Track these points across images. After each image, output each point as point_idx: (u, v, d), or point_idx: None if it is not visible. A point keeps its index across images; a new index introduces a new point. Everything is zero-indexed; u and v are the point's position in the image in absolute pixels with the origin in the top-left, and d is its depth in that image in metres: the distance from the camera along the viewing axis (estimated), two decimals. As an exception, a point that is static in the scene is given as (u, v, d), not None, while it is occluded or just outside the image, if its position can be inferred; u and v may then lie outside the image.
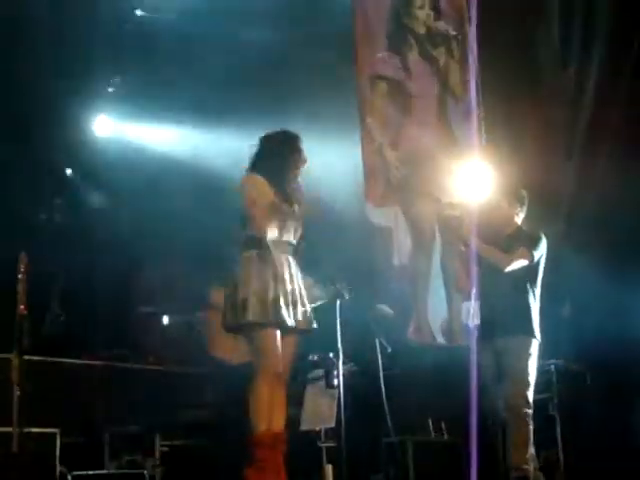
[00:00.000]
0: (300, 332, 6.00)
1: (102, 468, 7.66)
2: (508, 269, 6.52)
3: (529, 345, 6.50)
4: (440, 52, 9.12)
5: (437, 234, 8.96)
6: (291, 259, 5.92)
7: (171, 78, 10.18)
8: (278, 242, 5.85)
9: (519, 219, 6.79)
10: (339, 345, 6.96)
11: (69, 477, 7.07)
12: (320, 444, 7.61)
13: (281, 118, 9.25)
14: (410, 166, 9.30)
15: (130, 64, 10.42)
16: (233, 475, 7.03)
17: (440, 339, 8.83)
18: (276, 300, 5.69)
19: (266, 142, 6.05)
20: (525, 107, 8.50)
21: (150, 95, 10.40)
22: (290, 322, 5.77)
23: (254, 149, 6.04)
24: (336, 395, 7.15)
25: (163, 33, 10.04)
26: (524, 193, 6.80)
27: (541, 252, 6.61)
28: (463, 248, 6.85)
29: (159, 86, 10.27)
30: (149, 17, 10.13)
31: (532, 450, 6.41)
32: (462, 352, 8.09)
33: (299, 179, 6.09)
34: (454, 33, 9.00)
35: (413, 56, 9.33)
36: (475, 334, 6.85)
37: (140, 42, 10.09)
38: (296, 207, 5.94)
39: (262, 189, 5.82)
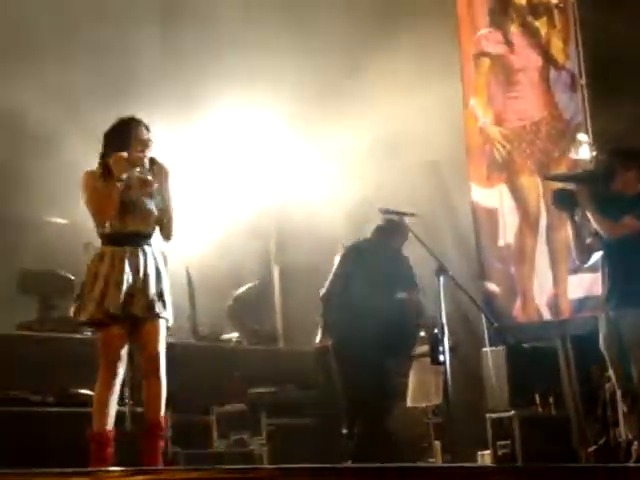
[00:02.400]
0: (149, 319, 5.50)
1: (211, 447, 7.75)
2: (611, 236, 6.29)
3: None
4: (542, 22, 9.01)
5: (543, 209, 8.86)
6: (142, 250, 5.48)
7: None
8: (119, 235, 5.47)
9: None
10: (444, 321, 6.91)
11: (181, 455, 7.16)
12: (427, 420, 7.59)
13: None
14: (515, 142, 9.22)
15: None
16: (337, 453, 7.08)
17: (546, 315, 8.72)
18: (104, 295, 5.36)
19: (104, 136, 5.64)
20: (629, 70, 8.28)
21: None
22: (119, 312, 5.38)
23: None
24: (442, 371, 7.10)
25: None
26: None
27: None
28: (577, 218, 6.56)
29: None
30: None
31: None
32: (570, 325, 8.04)
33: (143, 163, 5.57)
34: (556, 2, 8.87)
35: (515, 29, 9.24)
36: (590, 306, 6.70)
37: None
38: (140, 193, 5.53)
39: (88, 182, 5.48)
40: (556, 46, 8.88)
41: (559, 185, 6.70)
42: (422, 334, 7.60)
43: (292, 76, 9.69)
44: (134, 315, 5.39)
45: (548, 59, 8.94)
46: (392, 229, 7.49)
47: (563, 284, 8.54)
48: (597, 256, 6.56)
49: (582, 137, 8.24)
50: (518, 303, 9.00)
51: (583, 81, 8.49)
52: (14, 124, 8.87)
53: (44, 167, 8.85)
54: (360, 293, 7.19)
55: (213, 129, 9.99)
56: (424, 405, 7.66)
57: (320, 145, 9.84)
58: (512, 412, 7.42)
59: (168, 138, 7.92)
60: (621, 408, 6.49)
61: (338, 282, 7.40)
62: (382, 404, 7.05)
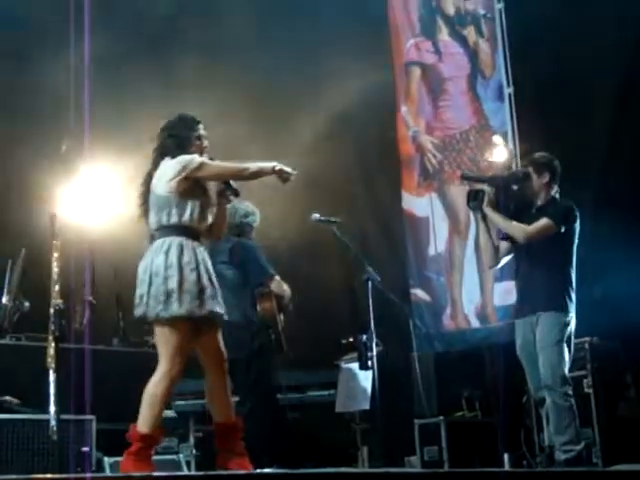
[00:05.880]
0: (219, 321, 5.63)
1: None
2: (525, 240, 6.40)
3: (561, 321, 6.29)
4: (470, 31, 9.10)
5: (472, 218, 8.92)
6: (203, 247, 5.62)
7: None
8: (195, 229, 5.57)
9: (553, 190, 6.61)
10: (372, 327, 6.94)
11: (106, 463, 7.10)
12: (355, 426, 7.60)
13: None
14: (445, 151, 9.29)
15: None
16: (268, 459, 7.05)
17: (475, 322, 8.79)
18: (203, 290, 5.40)
19: (172, 127, 5.73)
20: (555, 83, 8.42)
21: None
22: (220, 310, 5.50)
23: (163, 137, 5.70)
24: (370, 377, 7.12)
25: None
26: (556, 163, 6.61)
27: (571, 223, 6.41)
28: (482, 223, 6.68)
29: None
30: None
31: (576, 428, 6.25)
32: (496, 332, 8.10)
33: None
34: (483, 12, 8.96)
35: (443, 37, 9.35)
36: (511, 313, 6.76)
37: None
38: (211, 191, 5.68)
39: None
40: (484, 55, 8.97)
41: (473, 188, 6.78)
42: (348, 340, 7.63)
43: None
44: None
45: (476, 68, 9.03)
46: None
47: (489, 292, 8.63)
48: (505, 261, 6.66)
49: (497, 139, 8.38)
50: (448, 311, 9.06)
51: (510, 90, 8.58)
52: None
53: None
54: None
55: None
56: (352, 411, 7.67)
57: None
58: (440, 418, 7.47)
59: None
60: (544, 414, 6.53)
61: None
62: None
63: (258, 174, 5.54)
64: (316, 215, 7.33)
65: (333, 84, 9.52)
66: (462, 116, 9.15)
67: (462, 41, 9.16)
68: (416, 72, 9.59)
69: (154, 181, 5.57)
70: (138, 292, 5.44)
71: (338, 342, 7.99)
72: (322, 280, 9.38)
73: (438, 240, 9.33)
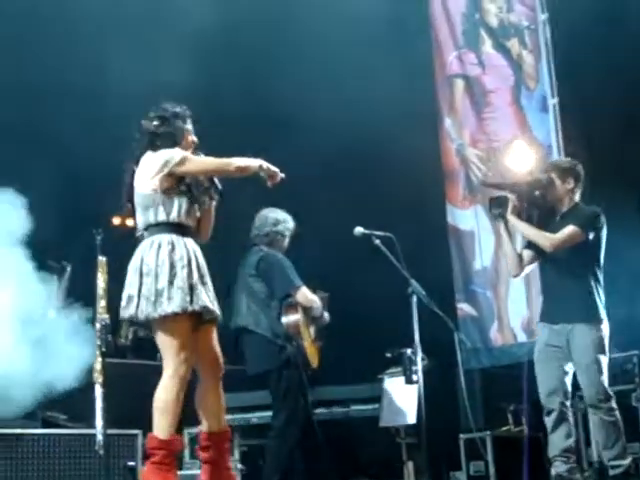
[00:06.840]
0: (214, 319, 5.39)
1: (182, 468, 7.69)
2: (552, 249, 6.28)
3: (598, 335, 6.14)
4: (513, 43, 9.08)
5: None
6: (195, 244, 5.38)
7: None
8: (184, 225, 5.34)
9: (576, 196, 6.45)
10: (417, 341, 6.90)
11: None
12: (400, 440, 7.55)
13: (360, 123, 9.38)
14: (489, 162, 9.26)
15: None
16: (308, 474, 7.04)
17: (521, 336, 8.72)
18: (194, 286, 5.17)
19: (164, 118, 5.44)
20: (601, 94, 8.35)
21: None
22: (212, 307, 5.24)
23: (149, 127, 5.42)
24: (415, 392, 7.06)
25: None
26: (579, 168, 6.50)
27: (598, 230, 6.25)
28: (504, 232, 6.56)
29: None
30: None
31: (623, 442, 6.14)
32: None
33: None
34: (527, 24, 8.95)
35: (487, 50, 9.37)
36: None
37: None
38: (195, 188, 5.40)
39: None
40: (528, 67, 8.95)
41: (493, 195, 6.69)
42: (393, 354, 7.57)
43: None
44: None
45: (520, 80, 9.02)
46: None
47: (535, 305, 8.56)
48: (529, 269, 6.57)
49: (518, 144, 8.32)
50: (494, 325, 9.01)
51: (555, 101, 8.53)
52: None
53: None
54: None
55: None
56: (397, 425, 7.63)
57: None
58: (486, 432, 7.42)
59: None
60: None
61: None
62: None
63: (244, 170, 5.29)
64: (360, 229, 7.29)
65: (372, 97, 9.52)
66: (506, 128, 9.14)
67: (506, 53, 9.17)
68: (460, 84, 9.60)
69: (136, 178, 5.34)
70: (126, 293, 5.19)
71: (382, 356, 7.94)
72: (366, 293, 9.35)
73: (484, 253, 9.29)
